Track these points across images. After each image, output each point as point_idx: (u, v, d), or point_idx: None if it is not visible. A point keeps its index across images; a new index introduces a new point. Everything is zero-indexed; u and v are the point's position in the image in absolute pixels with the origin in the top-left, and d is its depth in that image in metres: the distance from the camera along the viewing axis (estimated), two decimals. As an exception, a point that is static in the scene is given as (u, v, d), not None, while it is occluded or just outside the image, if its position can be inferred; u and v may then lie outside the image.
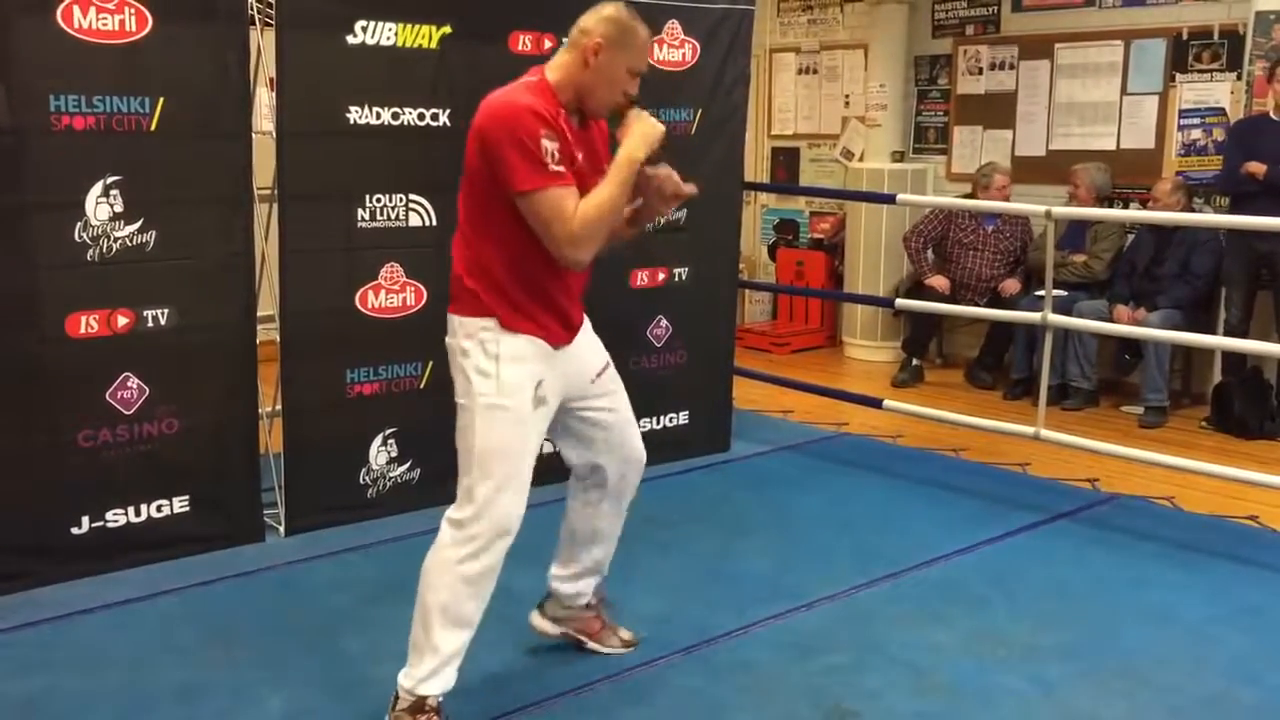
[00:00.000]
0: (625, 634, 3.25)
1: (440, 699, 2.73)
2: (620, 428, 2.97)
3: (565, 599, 3.18)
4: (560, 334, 2.75)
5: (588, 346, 2.90)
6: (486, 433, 2.66)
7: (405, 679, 2.72)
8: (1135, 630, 3.47)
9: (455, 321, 2.74)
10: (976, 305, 6.65)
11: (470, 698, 2.97)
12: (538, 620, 3.22)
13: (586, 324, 2.91)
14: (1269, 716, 2.99)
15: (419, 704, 2.70)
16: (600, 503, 3.06)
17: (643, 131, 2.64)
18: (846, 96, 7.97)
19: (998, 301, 6.56)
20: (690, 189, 2.77)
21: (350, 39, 3.96)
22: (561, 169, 2.55)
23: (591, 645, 3.21)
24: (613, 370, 2.96)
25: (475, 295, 2.67)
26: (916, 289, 6.85)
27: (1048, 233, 5.01)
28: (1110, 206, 6.49)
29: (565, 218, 2.55)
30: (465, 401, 2.70)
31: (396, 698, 2.72)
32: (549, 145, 2.52)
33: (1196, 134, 6.35)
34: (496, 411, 2.66)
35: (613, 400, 2.95)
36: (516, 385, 2.66)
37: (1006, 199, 6.60)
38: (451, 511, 2.73)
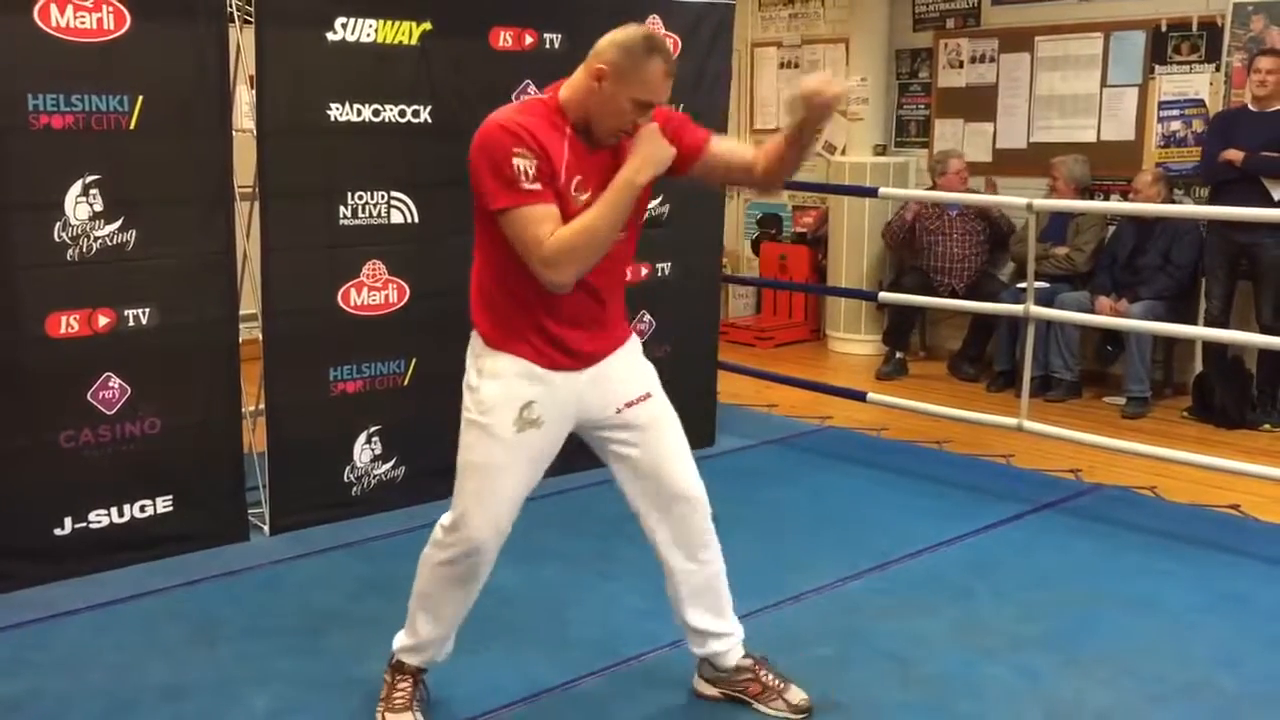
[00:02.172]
0: (795, 696, 2.89)
1: (421, 669, 2.87)
2: (651, 466, 2.74)
3: (711, 659, 2.94)
4: (556, 358, 2.61)
5: (620, 375, 2.72)
6: (466, 449, 2.65)
7: (395, 640, 2.89)
8: (1118, 619, 3.48)
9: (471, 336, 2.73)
10: (956, 288, 6.69)
11: (458, 695, 2.98)
12: (697, 683, 3.01)
13: (626, 352, 2.75)
14: (1251, 704, 3.01)
15: (399, 665, 2.88)
16: (668, 558, 2.82)
17: (647, 154, 2.50)
18: (828, 90, 7.96)
19: (980, 294, 6.57)
20: (839, 86, 2.51)
21: (330, 36, 3.95)
22: (536, 187, 2.43)
23: (756, 707, 2.92)
24: (653, 406, 2.75)
25: (475, 312, 2.66)
26: (898, 282, 6.87)
27: (1029, 225, 5.02)
28: (1090, 198, 6.52)
29: (537, 239, 2.44)
30: (463, 415, 2.69)
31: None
32: (521, 164, 2.42)
33: (1176, 125, 6.38)
34: (475, 429, 2.63)
35: (640, 435, 2.73)
36: (494, 404, 2.60)
37: (964, 181, 6.71)
38: (442, 516, 2.74)
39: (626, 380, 2.74)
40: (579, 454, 2.88)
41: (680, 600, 2.87)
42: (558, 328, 2.59)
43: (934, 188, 6.83)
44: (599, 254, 2.50)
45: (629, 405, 2.72)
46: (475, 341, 2.67)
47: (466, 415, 2.65)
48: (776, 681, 2.92)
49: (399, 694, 2.84)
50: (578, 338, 2.63)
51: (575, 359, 2.63)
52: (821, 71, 2.55)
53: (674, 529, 2.79)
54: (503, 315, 2.61)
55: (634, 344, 2.80)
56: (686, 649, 2.98)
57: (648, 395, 2.75)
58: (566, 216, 2.47)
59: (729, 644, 2.92)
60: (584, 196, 2.51)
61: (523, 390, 2.60)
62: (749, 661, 2.94)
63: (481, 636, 3.11)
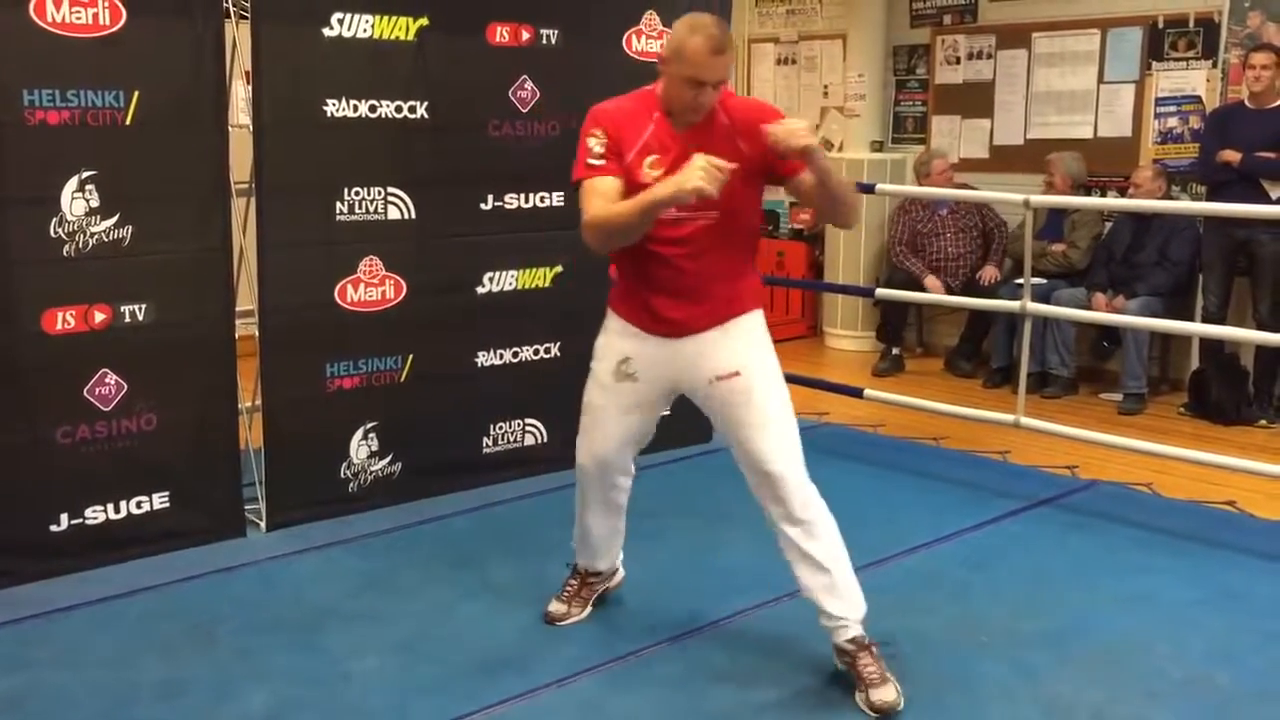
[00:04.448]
0: (879, 695, 2.88)
1: (588, 570, 3.41)
2: (735, 438, 2.99)
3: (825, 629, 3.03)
4: (649, 324, 2.99)
5: (716, 348, 2.97)
6: (585, 389, 3.15)
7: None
8: (1115, 615, 3.49)
9: None
10: (953, 286, 6.69)
11: (456, 689, 2.98)
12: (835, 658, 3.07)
13: (729, 328, 2.98)
14: (1247, 699, 3.02)
15: (573, 567, 3.44)
16: (768, 520, 3.01)
17: (677, 180, 2.66)
18: (825, 87, 7.98)
19: (977, 290, 6.58)
20: (803, 137, 2.69)
21: (327, 31, 3.94)
22: (599, 163, 2.83)
23: (855, 693, 2.95)
24: (740, 382, 2.95)
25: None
26: (893, 279, 6.87)
27: (1027, 222, 5.02)
28: (1087, 194, 6.52)
29: (585, 209, 2.84)
30: None
31: None
32: (592, 143, 2.85)
33: (1173, 122, 6.38)
34: (590, 373, 3.13)
35: (727, 409, 2.98)
36: (601, 354, 3.09)
37: (949, 182, 6.71)
38: None
39: (723, 353, 2.97)
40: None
41: (789, 563, 3.02)
42: (650, 298, 2.96)
43: None
44: (619, 240, 2.87)
45: (719, 379, 2.97)
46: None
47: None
48: (871, 674, 2.92)
49: (567, 587, 3.43)
50: (666, 306, 2.95)
51: (665, 325, 2.97)
52: (792, 120, 2.69)
53: (763, 497, 2.99)
54: (619, 282, 3.08)
55: (743, 323, 3.01)
56: (676, 641, 2.98)
57: (737, 373, 2.96)
58: (634, 186, 2.81)
59: (830, 622, 2.99)
60: (656, 173, 2.81)
61: (622, 346, 3.04)
62: (850, 646, 2.97)
63: (479, 631, 3.08)
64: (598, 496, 3.26)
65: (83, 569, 3.69)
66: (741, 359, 2.98)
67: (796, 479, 2.94)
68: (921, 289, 6.61)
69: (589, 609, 3.42)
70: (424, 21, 4.13)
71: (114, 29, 3.55)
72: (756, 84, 8.37)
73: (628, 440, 3.16)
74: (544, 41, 4.44)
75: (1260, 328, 5.51)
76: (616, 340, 3.06)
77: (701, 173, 2.62)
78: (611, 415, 3.11)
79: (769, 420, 2.96)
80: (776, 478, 2.92)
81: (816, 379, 5.92)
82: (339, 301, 4.13)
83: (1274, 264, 5.62)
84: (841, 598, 2.97)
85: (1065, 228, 6.46)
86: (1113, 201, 6.30)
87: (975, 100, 7.17)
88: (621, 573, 3.53)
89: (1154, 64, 6.41)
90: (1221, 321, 5.73)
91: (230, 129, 3.89)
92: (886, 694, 2.89)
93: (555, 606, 3.39)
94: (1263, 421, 5.67)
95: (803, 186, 2.90)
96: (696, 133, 2.85)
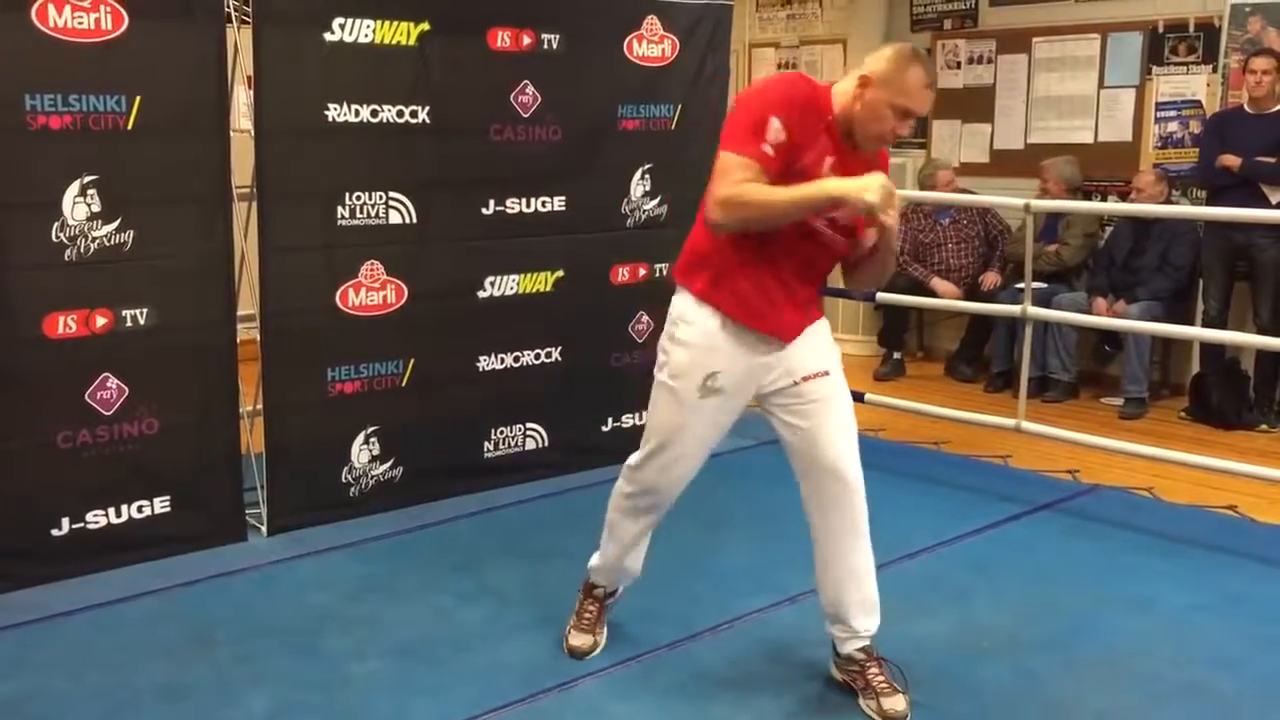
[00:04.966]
0: (890, 705, 2.88)
1: (607, 591, 3.23)
2: (811, 439, 2.88)
3: (833, 640, 3.02)
4: (767, 314, 2.81)
5: (803, 348, 2.88)
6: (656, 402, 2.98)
7: (590, 560, 3.22)
8: (1116, 620, 3.49)
9: None
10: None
11: (456, 694, 2.98)
12: (831, 663, 3.07)
13: (817, 328, 2.92)
14: (1249, 705, 3.01)
15: (589, 587, 3.25)
16: (813, 530, 2.95)
17: (861, 184, 2.59)
18: (826, 91, 7.97)
19: (978, 294, 6.58)
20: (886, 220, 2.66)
21: (328, 36, 3.95)
22: (770, 151, 2.62)
23: (859, 702, 2.94)
24: (833, 382, 2.90)
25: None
26: (894, 283, 6.87)
27: (1027, 226, 5.02)
28: (1085, 198, 6.52)
29: (730, 178, 2.64)
30: None
31: None
32: (774, 126, 2.62)
33: (1174, 126, 6.39)
34: (664, 386, 2.94)
35: (810, 408, 2.87)
36: (680, 368, 2.89)
37: (954, 190, 6.70)
38: (631, 456, 3.05)
39: (808, 355, 2.89)
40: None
41: (818, 573, 2.97)
42: (781, 283, 2.80)
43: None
44: (757, 224, 2.69)
45: (807, 378, 2.87)
46: None
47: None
48: (881, 684, 2.92)
49: (587, 615, 3.22)
50: (791, 298, 2.82)
51: (784, 321, 2.83)
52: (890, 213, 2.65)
53: (823, 504, 2.91)
54: (718, 265, 2.82)
55: (822, 325, 2.95)
56: (675, 647, 2.98)
57: (826, 372, 2.90)
58: (795, 179, 2.64)
59: (848, 634, 2.96)
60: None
61: (710, 360, 2.84)
62: (861, 655, 2.96)
63: (480, 636, 3.08)
64: (653, 521, 3.11)
65: (83, 573, 3.68)
66: (828, 360, 2.92)
67: (863, 490, 2.91)
68: (927, 293, 6.60)
69: (606, 630, 3.28)
70: (425, 26, 4.13)
71: (116, 33, 3.56)
72: (757, 89, 8.36)
73: (709, 452, 2.99)
74: (545, 46, 4.44)
75: (1261, 332, 5.52)
76: (705, 355, 2.83)
77: (880, 190, 2.56)
78: (697, 434, 2.91)
79: (850, 427, 2.92)
80: (849, 483, 2.88)
81: (817, 383, 5.90)
82: (340, 306, 4.13)
83: (1274, 269, 5.62)
84: (870, 613, 2.96)
85: (1060, 228, 6.46)
86: (1113, 206, 6.30)
87: (976, 105, 7.17)
88: None
89: (1154, 69, 6.41)
90: (1222, 326, 5.74)
91: (232, 133, 3.89)
92: (898, 704, 2.89)
93: (580, 640, 3.20)
94: (1264, 426, 5.67)
95: (859, 246, 2.86)
96: (863, 157, 2.75)
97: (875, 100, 2.65)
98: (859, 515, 2.90)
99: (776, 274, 2.78)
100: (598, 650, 3.19)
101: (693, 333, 2.84)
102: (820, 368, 2.89)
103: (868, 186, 2.57)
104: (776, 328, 2.83)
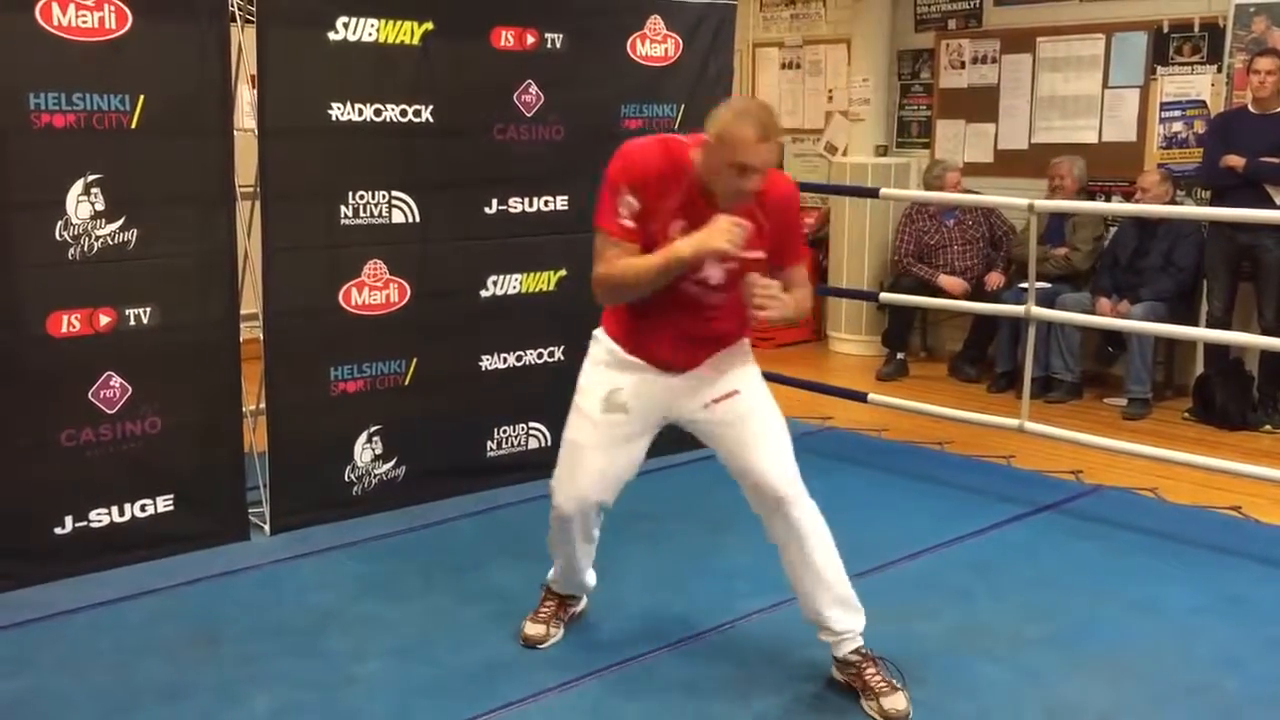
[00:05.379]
0: (891, 704, 2.89)
1: (567, 597, 3.34)
2: (734, 457, 2.96)
3: (829, 645, 3.04)
4: (655, 357, 2.92)
5: (712, 373, 2.96)
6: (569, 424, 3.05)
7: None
8: (1119, 621, 3.48)
9: None
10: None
11: (458, 693, 2.98)
12: (833, 669, 3.08)
13: (724, 354, 2.97)
14: (1253, 706, 3.01)
15: (548, 587, 3.35)
16: (768, 533, 3.00)
17: (702, 238, 2.68)
18: (830, 91, 7.98)
19: (982, 295, 6.57)
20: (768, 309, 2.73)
21: (332, 35, 3.95)
22: (630, 224, 2.75)
23: (861, 702, 2.95)
24: (744, 401, 2.96)
25: None
26: (898, 283, 6.87)
27: (1030, 226, 5.02)
28: (1091, 198, 6.51)
29: (601, 259, 2.79)
30: None
31: None
32: (624, 202, 2.75)
33: (1178, 126, 6.37)
34: (574, 406, 3.03)
35: (725, 429, 2.96)
36: (587, 386, 3.00)
37: (960, 191, 6.68)
38: None
39: (716, 380, 2.96)
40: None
41: (792, 585, 3.01)
42: (665, 334, 2.90)
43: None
44: (630, 295, 2.83)
45: (716, 401, 2.95)
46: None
47: None
48: (879, 684, 2.93)
49: (543, 609, 3.32)
50: (679, 345, 2.92)
51: (673, 363, 2.93)
52: (774, 289, 2.76)
53: (766, 517, 2.97)
54: (620, 311, 2.96)
55: (735, 348, 3.00)
56: (678, 646, 2.98)
57: (736, 392, 2.96)
58: (657, 247, 2.75)
59: (834, 637, 2.98)
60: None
61: (612, 376, 2.96)
62: (856, 657, 2.97)
63: (480, 635, 3.08)
64: (580, 537, 3.12)
65: (86, 572, 3.69)
66: (737, 380, 2.98)
67: (802, 498, 2.94)
68: (932, 293, 6.58)
69: (564, 628, 3.33)
70: (429, 26, 4.13)
71: (120, 32, 3.56)
72: (761, 89, 8.37)
73: (615, 479, 3.02)
74: (548, 46, 4.44)
75: (1265, 333, 5.50)
76: (606, 371, 2.96)
77: (724, 234, 2.64)
78: (600, 452, 2.96)
79: (771, 439, 2.96)
80: (784, 498, 2.91)
81: (820, 383, 5.92)
82: (343, 305, 4.13)
83: (1278, 269, 5.61)
84: (849, 611, 2.97)
85: (1066, 230, 6.46)
86: (1117, 206, 6.29)
87: (980, 105, 7.17)
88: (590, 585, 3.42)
89: (1159, 69, 6.40)
90: (1226, 326, 5.73)
91: (235, 132, 3.90)
92: (898, 702, 2.89)
93: (533, 629, 3.28)
94: (1268, 427, 5.66)
95: (783, 280, 2.87)
96: (730, 210, 2.78)
97: (713, 161, 2.71)
98: (803, 521, 2.93)
99: (668, 318, 2.88)
100: (550, 642, 3.27)
101: (599, 350, 2.99)
102: (727, 389, 2.96)
103: (710, 237, 2.66)
104: (671, 362, 2.93)
